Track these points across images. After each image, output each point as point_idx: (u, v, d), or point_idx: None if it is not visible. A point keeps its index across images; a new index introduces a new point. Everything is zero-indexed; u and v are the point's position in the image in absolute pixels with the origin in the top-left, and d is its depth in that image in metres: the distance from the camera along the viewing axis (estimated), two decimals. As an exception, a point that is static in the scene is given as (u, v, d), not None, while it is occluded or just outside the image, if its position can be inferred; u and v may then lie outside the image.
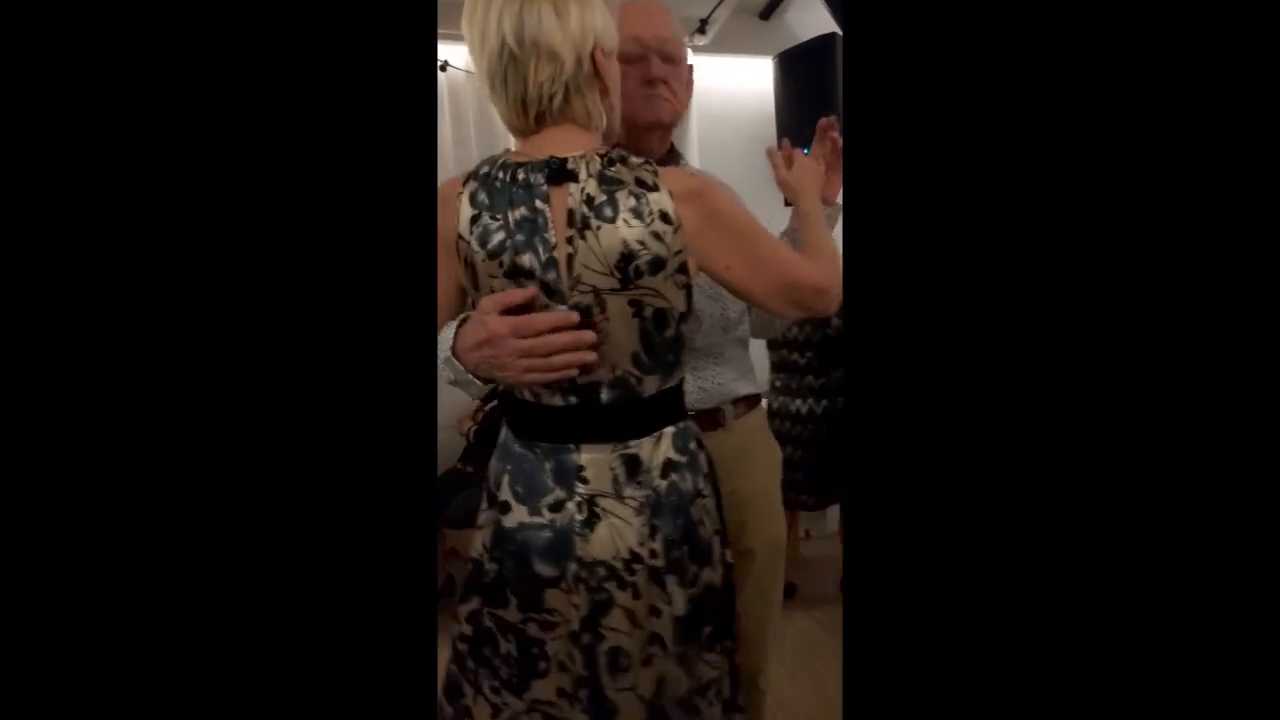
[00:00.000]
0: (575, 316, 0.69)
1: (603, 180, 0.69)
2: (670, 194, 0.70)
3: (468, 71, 2.73)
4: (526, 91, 0.70)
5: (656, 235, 0.69)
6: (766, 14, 2.71)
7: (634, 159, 0.72)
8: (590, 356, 0.70)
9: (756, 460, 1.02)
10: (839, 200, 0.98)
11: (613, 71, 0.74)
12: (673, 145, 1.04)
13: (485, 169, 0.72)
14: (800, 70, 2.49)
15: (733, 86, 2.68)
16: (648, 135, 0.96)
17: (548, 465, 0.74)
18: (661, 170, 0.72)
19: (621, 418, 0.74)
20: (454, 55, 2.61)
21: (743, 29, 2.66)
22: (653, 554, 0.73)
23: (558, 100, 0.71)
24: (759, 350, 1.82)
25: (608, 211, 0.68)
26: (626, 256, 0.68)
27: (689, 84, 1.01)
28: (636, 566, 0.73)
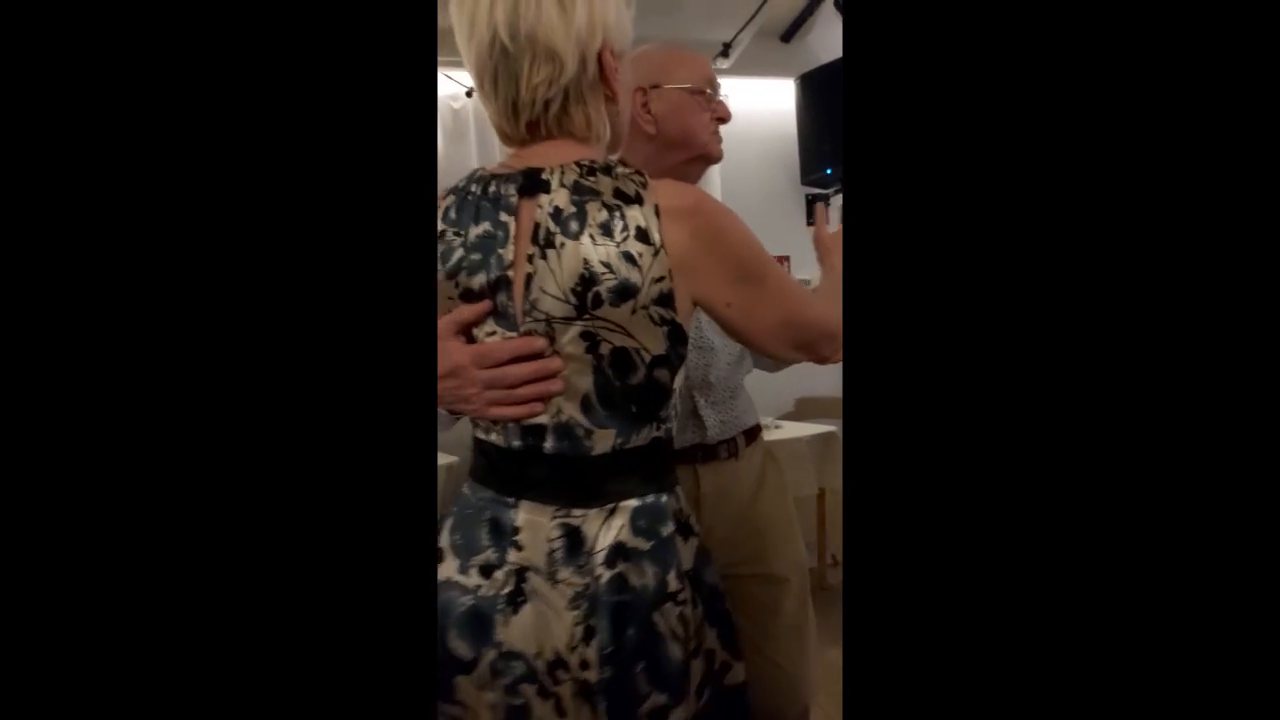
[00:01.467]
0: (540, 343, 0.58)
1: (576, 190, 0.58)
2: (657, 209, 0.58)
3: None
4: (519, 95, 0.58)
5: (628, 257, 0.56)
6: (788, 36, 2.73)
7: (622, 169, 0.60)
8: (557, 387, 0.58)
9: (768, 486, 1.03)
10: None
11: (623, 77, 0.64)
12: None
13: (463, 182, 0.63)
14: (821, 91, 2.50)
15: (755, 108, 2.69)
16: (703, 169, 1.01)
17: (486, 517, 0.61)
18: (654, 182, 0.60)
19: (565, 475, 0.60)
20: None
21: (764, 51, 2.68)
22: (584, 664, 0.56)
23: (554, 108, 0.59)
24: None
25: (574, 226, 0.57)
26: (586, 279, 0.56)
27: None
28: (562, 675, 0.56)
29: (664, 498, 0.61)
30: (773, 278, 0.63)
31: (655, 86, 0.93)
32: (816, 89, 2.53)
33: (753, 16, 2.22)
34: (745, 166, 2.80)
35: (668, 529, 0.60)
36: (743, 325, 0.62)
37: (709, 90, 0.95)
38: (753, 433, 1.03)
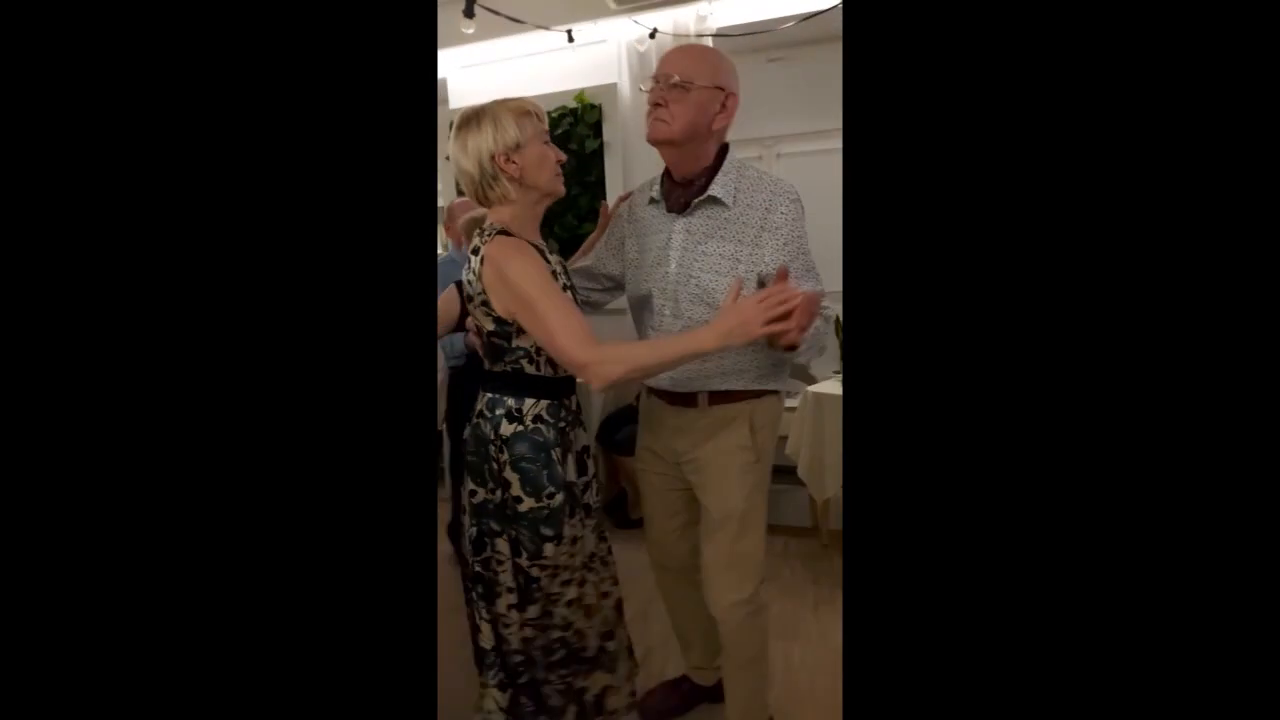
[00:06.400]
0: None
1: (476, 242, 1.12)
2: (482, 257, 1.07)
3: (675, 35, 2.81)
4: (471, 193, 1.13)
5: (469, 280, 1.12)
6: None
7: (489, 228, 1.11)
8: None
9: (718, 441, 1.26)
10: (799, 346, 1.09)
11: (521, 160, 1.09)
12: (721, 151, 1.22)
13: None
14: None
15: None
16: (659, 149, 1.21)
17: None
18: (497, 238, 1.08)
19: (483, 380, 1.18)
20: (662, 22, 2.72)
21: None
22: (467, 453, 1.18)
23: (482, 194, 1.12)
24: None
25: (470, 258, 1.12)
26: (466, 287, 1.14)
27: (700, 107, 1.16)
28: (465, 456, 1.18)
29: (507, 398, 1.13)
30: (539, 307, 1.03)
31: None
32: None
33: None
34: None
35: (499, 411, 1.13)
36: (530, 331, 1.07)
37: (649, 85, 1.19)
38: (726, 395, 1.24)
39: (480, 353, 1.18)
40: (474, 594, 1.15)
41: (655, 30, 2.75)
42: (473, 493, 1.13)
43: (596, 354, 1.00)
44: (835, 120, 2.91)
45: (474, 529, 1.13)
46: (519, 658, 1.14)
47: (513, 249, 1.06)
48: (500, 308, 1.07)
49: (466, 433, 1.17)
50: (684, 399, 1.26)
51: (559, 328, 1.01)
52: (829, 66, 2.88)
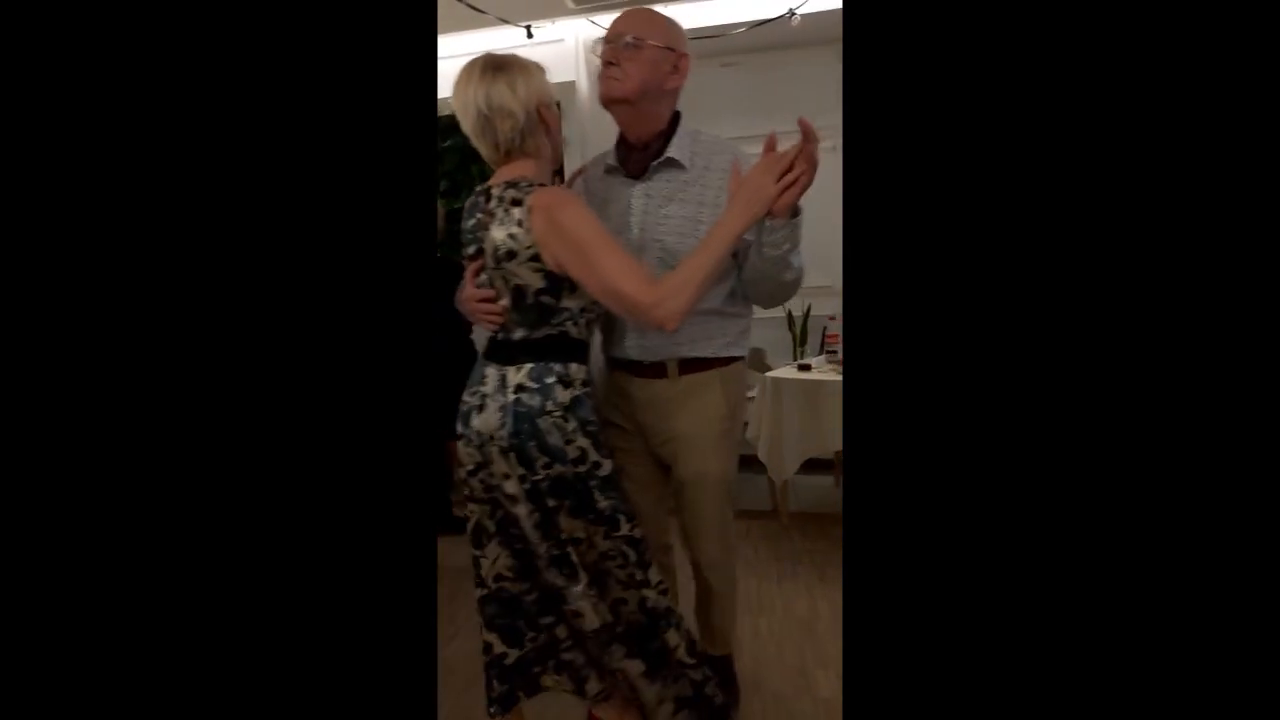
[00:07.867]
0: (492, 292, 1.11)
1: (499, 200, 1.06)
2: (530, 208, 1.02)
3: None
4: (498, 139, 1.06)
5: (511, 235, 1.04)
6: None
7: (523, 183, 1.06)
8: (499, 317, 1.11)
9: (692, 408, 1.24)
10: (797, 210, 1.05)
11: (553, 117, 1.10)
12: (676, 116, 1.22)
13: (471, 196, 1.14)
14: None
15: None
16: (612, 110, 1.18)
17: (478, 370, 1.15)
18: (537, 190, 1.04)
19: (503, 350, 1.11)
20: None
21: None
22: (501, 439, 1.08)
23: (516, 141, 1.07)
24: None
25: (495, 219, 1.06)
26: (496, 247, 1.05)
27: (653, 65, 1.15)
28: (491, 444, 1.08)
29: (554, 364, 1.08)
30: (598, 254, 1.00)
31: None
32: None
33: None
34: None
35: (550, 379, 1.07)
36: (583, 282, 1.03)
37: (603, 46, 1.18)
38: (697, 363, 1.22)
39: (497, 323, 1.09)
40: (559, 578, 1.08)
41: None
42: (522, 478, 1.04)
43: (659, 291, 0.98)
44: (784, 124, 3.04)
45: (535, 514, 1.05)
46: (642, 620, 1.12)
47: (565, 196, 1.03)
48: (552, 261, 1.01)
49: (484, 419, 1.06)
50: (652, 369, 1.23)
51: (622, 270, 0.98)
52: (779, 72, 3.01)
